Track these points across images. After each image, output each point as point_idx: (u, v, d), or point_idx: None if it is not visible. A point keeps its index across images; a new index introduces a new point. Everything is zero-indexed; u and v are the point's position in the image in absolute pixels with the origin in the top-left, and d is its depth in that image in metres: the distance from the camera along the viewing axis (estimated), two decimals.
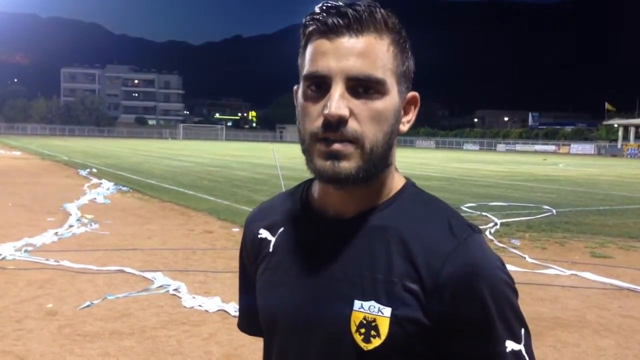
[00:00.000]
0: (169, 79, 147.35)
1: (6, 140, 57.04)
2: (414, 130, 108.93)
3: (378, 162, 0.94)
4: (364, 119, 0.91)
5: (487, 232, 9.47)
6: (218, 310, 5.27)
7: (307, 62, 0.94)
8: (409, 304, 0.91)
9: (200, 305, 5.38)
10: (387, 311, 0.91)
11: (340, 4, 0.93)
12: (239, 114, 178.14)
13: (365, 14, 0.92)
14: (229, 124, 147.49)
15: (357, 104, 0.91)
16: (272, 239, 1.08)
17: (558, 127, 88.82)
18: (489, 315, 0.90)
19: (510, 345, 0.91)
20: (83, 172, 19.71)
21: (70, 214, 10.25)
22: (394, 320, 0.91)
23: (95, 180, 16.75)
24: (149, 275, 6.33)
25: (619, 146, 65.57)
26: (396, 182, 1.02)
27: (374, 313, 0.92)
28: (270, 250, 1.07)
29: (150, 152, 40.39)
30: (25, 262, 6.87)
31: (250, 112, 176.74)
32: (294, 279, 1.01)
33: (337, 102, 0.89)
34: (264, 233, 1.10)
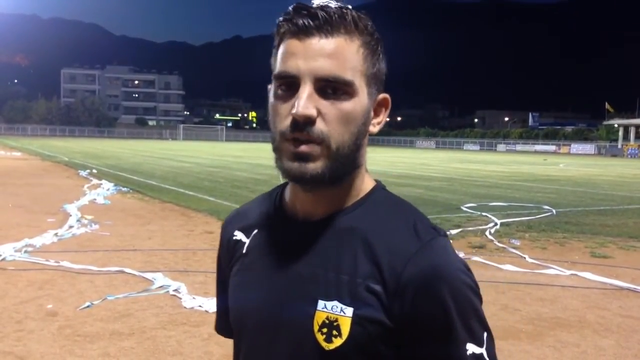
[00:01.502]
0: (169, 80, 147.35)
1: (6, 141, 57.06)
2: (414, 130, 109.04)
3: (345, 163, 0.95)
4: (332, 119, 0.92)
5: (487, 233, 9.47)
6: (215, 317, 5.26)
7: (278, 62, 0.95)
8: (371, 304, 0.92)
9: (200, 306, 5.39)
10: (349, 311, 0.92)
11: (313, 5, 0.93)
12: (239, 115, 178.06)
13: (336, 15, 0.92)
14: (229, 124, 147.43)
15: (325, 105, 0.91)
16: (247, 241, 1.09)
17: (558, 127, 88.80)
18: (450, 317, 0.90)
19: (472, 348, 0.91)
20: (83, 173, 19.71)
21: (70, 215, 10.26)
22: (355, 320, 0.91)
23: (95, 181, 16.75)
24: (149, 275, 6.33)
25: (619, 146, 65.57)
26: (365, 184, 1.03)
27: (336, 313, 0.92)
28: (244, 251, 1.08)
29: (151, 152, 40.39)
30: (25, 262, 6.87)
31: (250, 113, 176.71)
32: (263, 280, 1.02)
33: (305, 102, 0.90)
34: (238, 235, 1.11)
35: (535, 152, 72.65)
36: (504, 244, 8.62)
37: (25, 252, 7.35)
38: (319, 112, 0.91)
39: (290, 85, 0.93)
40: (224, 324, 1.19)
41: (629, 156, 59.69)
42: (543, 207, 13.03)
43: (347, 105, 0.93)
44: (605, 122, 74.84)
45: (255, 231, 1.09)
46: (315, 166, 0.92)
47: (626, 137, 67.10)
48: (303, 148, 0.92)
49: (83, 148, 44.55)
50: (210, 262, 7.13)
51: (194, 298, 5.59)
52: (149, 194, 14.08)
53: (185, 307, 5.38)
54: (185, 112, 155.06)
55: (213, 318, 4.40)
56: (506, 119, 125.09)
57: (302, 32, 0.92)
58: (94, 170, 20.92)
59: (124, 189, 14.98)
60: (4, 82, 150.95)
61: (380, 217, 0.99)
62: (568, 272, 7.01)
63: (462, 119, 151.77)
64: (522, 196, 15.62)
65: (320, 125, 0.91)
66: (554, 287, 6.46)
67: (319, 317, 0.93)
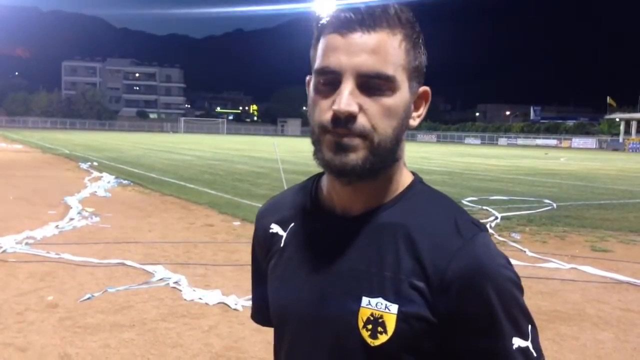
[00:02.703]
0: (170, 73, 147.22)
1: (7, 133, 57.07)
2: None
3: (386, 156, 0.95)
4: (374, 115, 0.92)
5: (487, 226, 9.47)
6: (218, 303, 5.28)
7: (319, 56, 0.95)
8: (416, 301, 0.92)
9: (200, 298, 5.40)
10: (394, 308, 0.92)
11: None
12: (240, 108, 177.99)
13: (379, 9, 0.92)
14: (230, 117, 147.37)
15: (367, 101, 0.91)
16: (284, 234, 1.09)
17: (560, 121, 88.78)
18: (495, 312, 0.91)
19: (517, 342, 0.93)
20: (84, 166, 19.72)
21: (71, 207, 10.27)
22: (400, 317, 0.92)
23: (96, 174, 16.76)
24: (149, 268, 6.35)
25: (621, 140, 65.45)
26: (404, 179, 1.03)
27: (381, 310, 0.93)
28: (282, 245, 1.08)
29: (152, 145, 40.39)
30: (26, 254, 6.89)
31: (251, 106, 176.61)
32: (303, 275, 1.02)
33: (347, 98, 0.90)
34: (275, 228, 1.11)
35: (537, 146, 72.56)
36: (505, 238, 8.62)
37: (26, 244, 7.36)
38: (361, 108, 0.91)
39: (331, 80, 0.93)
40: (261, 314, 1.21)
41: (630, 150, 59.61)
42: (544, 201, 13.03)
43: (389, 100, 0.92)
44: (607, 117, 74.74)
45: (292, 224, 1.08)
46: (357, 157, 0.92)
47: (628, 132, 66.96)
48: (345, 140, 0.92)
49: (84, 140, 44.55)
50: (210, 255, 7.15)
51: (194, 290, 5.60)
52: (150, 187, 14.09)
53: (185, 300, 5.39)
54: (187, 105, 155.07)
55: (213, 310, 4.43)
56: (508, 112, 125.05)
57: (344, 27, 0.92)
58: (95, 163, 20.94)
59: (125, 182, 14.99)
60: (5, 75, 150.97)
61: (420, 212, 0.98)
62: (568, 266, 7.02)
63: (463, 113, 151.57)
64: (522, 190, 15.62)
65: (362, 121, 0.91)
66: (554, 280, 6.47)
67: (364, 314, 0.94)
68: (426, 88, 1.01)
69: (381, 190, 1.00)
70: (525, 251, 7.75)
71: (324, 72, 0.93)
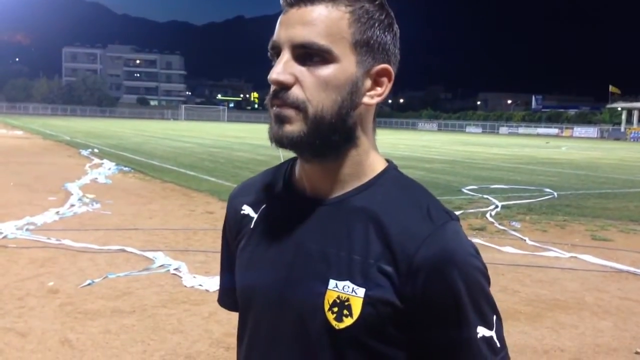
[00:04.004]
0: (171, 60, 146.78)
1: (8, 119, 57.01)
2: (417, 112, 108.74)
3: (327, 130, 0.93)
4: (309, 85, 0.91)
5: (487, 215, 9.48)
6: (218, 290, 5.29)
7: None
8: (383, 285, 0.91)
9: (200, 285, 5.41)
10: (361, 291, 0.92)
11: None
12: (241, 95, 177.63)
13: None
14: (231, 105, 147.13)
15: (302, 71, 0.92)
16: (254, 216, 1.08)
17: (561, 110, 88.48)
18: (461, 301, 0.90)
19: (482, 331, 0.92)
20: (84, 152, 19.72)
21: (72, 194, 10.28)
22: (367, 300, 0.91)
23: (96, 160, 16.77)
24: (149, 254, 6.36)
25: (622, 129, 65.36)
26: (376, 164, 1.01)
27: (347, 293, 0.92)
28: (252, 226, 1.07)
29: (152, 132, 40.36)
30: (26, 240, 6.90)
31: (252, 94, 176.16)
32: (271, 255, 1.01)
33: (279, 68, 0.92)
34: (246, 209, 1.10)
35: (538, 135, 72.45)
36: (505, 227, 8.63)
37: (27, 230, 7.37)
38: (297, 79, 0.92)
39: (277, 53, 0.95)
40: (228, 298, 1.20)
41: (632, 139, 59.50)
42: (544, 189, 13.03)
43: (325, 71, 0.92)
44: (608, 106, 74.54)
45: (264, 206, 1.07)
46: (292, 129, 0.92)
47: (629, 121, 66.84)
48: (277, 110, 0.93)
49: (85, 127, 44.51)
50: (211, 242, 7.16)
51: (194, 277, 5.62)
52: (150, 174, 14.10)
53: (185, 286, 5.40)
54: (187, 92, 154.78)
55: (213, 297, 4.42)
56: (509, 101, 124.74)
57: (288, 4, 0.94)
58: (96, 150, 20.93)
59: (126, 169, 14.99)
60: (6, 61, 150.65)
61: (392, 198, 0.97)
62: (568, 255, 7.03)
63: (464, 101, 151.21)
64: (523, 179, 15.61)
65: (296, 91, 0.92)
66: (554, 269, 6.48)
67: (330, 296, 0.93)
68: (385, 65, 0.97)
69: (349, 173, 0.99)
70: (525, 240, 7.76)
71: (271, 47, 0.96)
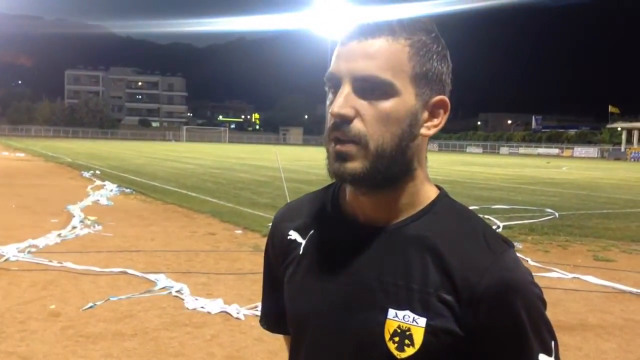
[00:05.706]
0: (172, 81, 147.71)
1: (10, 141, 57.19)
2: None
3: (388, 164, 0.94)
4: (370, 119, 0.92)
5: None
6: (220, 312, 5.28)
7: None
8: (444, 314, 0.92)
9: (202, 307, 5.39)
10: (422, 321, 0.93)
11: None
12: (243, 117, 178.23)
13: (382, 19, 0.94)
14: (232, 126, 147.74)
15: (364, 104, 0.92)
16: (302, 242, 1.08)
17: (561, 130, 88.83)
18: (524, 329, 0.92)
19: (543, 359, 0.94)
20: (86, 174, 19.74)
21: (74, 216, 10.28)
22: (428, 330, 0.92)
23: (98, 182, 16.77)
24: (151, 276, 6.35)
25: (623, 149, 65.42)
26: (429, 192, 1.03)
27: (408, 322, 0.93)
28: (300, 252, 1.07)
29: (154, 154, 40.45)
30: (28, 263, 6.89)
31: (253, 115, 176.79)
32: (326, 283, 1.01)
33: (341, 101, 0.92)
34: (293, 234, 1.10)
35: (538, 155, 72.52)
36: None
37: (29, 252, 7.36)
38: (358, 112, 0.92)
39: (335, 85, 0.95)
40: (274, 321, 1.20)
41: (632, 159, 59.53)
42: (546, 210, 13.01)
43: (386, 105, 0.93)
44: (608, 126, 74.74)
45: (312, 231, 1.07)
46: (353, 166, 0.93)
47: (629, 141, 66.98)
48: (339, 147, 0.93)
49: (86, 149, 44.63)
50: (212, 264, 7.15)
51: (196, 299, 5.60)
52: (152, 195, 14.10)
53: (187, 308, 5.39)
54: (189, 114, 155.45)
55: (215, 319, 4.41)
56: (509, 121, 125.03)
57: (347, 37, 0.95)
58: (97, 172, 20.95)
59: (127, 190, 15.01)
60: (8, 83, 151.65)
61: (448, 226, 0.98)
62: (570, 276, 7.00)
63: (465, 122, 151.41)
64: (524, 199, 15.60)
65: (357, 125, 0.92)
66: (556, 290, 6.45)
67: (390, 326, 0.94)
68: (442, 97, 0.98)
69: (404, 202, 1.00)
70: (527, 260, 7.73)
71: (328, 78, 0.96)
